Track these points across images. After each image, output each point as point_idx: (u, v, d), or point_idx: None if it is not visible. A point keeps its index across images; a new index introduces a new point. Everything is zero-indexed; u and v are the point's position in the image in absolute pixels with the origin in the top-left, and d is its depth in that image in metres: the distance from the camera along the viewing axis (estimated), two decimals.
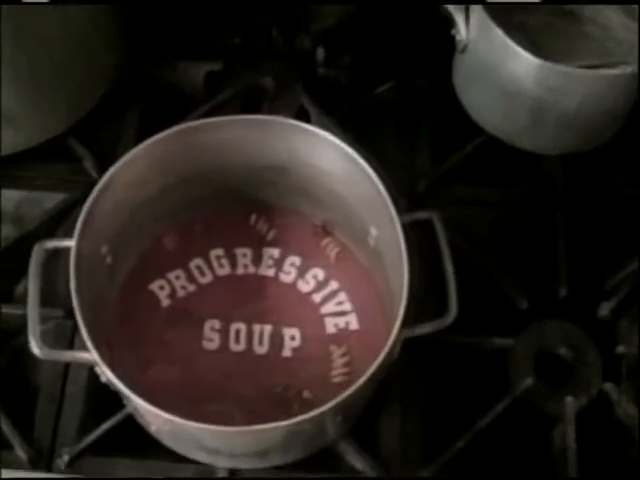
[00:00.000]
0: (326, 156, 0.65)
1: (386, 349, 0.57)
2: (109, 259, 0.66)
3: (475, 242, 0.73)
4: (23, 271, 0.74)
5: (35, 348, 0.59)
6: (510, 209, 0.76)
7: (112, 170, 0.63)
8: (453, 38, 0.75)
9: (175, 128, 0.64)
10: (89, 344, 0.58)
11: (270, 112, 0.79)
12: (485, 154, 0.77)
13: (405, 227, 0.62)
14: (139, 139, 0.77)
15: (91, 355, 0.58)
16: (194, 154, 0.66)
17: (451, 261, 0.62)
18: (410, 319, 0.59)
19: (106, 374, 0.58)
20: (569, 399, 0.67)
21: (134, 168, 0.64)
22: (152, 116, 0.80)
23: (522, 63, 0.69)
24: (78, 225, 0.61)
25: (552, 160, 0.77)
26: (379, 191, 0.62)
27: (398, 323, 0.58)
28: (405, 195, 0.75)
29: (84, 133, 0.78)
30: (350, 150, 0.63)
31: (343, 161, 0.64)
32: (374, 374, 0.57)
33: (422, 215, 0.64)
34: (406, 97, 0.81)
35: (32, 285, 0.61)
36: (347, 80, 0.83)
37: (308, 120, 0.80)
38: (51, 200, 0.75)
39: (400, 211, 0.62)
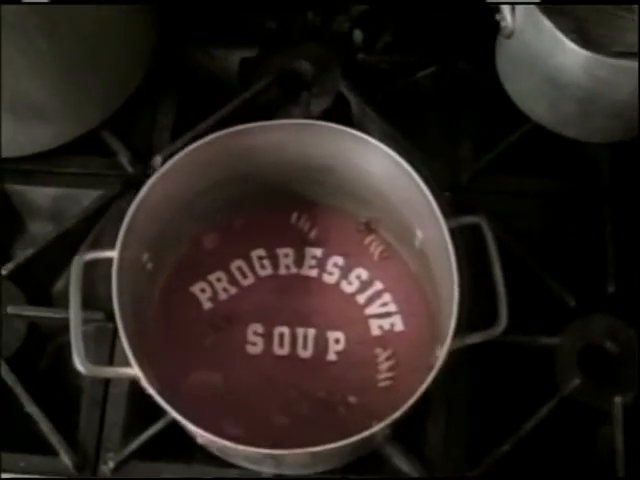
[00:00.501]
0: (372, 160, 0.63)
1: (437, 366, 0.56)
2: (149, 265, 0.65)
3: (519, 236, 0.72)
4: (61, 269, 0.75)
5: (79, 365, 0.58)
6: (555, 201, 0.74)
7: (152, 179, 0.61)
8: (497, 22, 0.72)
9: (217, 134, 0.62)
10: (132, 361, 0.57)
11: (308, 100, 0.77)
12: (529, 143, 0.75)
13: (453, 232, 0.61)
14: (174, 130, 0.77)
15: (134, 370, 0.57)
16: (235, 158, 0.64)
17: (501, 268, 0.61)
18: (459, 329, 0.58)
19: (148, 390, 0.57)
20: (617, 400, 0.67)
21: (174, 176, 0.62)
22: (187, 106, 0.78)
23: (571, 54, 0.66)
24: (120, 236, 0.60)
25: (598, 149, 0.74)
26: (426, 197, 0.60)
27: (449, 340, 0.56)
28: (448, 187, 0.74)
29: (118, 125, 0.76)
30: (397, 156, 0.61)
31: (389, 166, 0.62)
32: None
33: (470, 219, 0.63)
34: (447, 83, 0.78)
35: (73, 299, 0.60)
36: (386, 65, 0.80)
37: (347, 107, 0.78)
38: (88, 196, 0.74)
39: (447, 214, 0.61)
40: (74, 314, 0.59)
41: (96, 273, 0.64)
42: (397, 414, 0.55)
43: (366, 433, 0.55)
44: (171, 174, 0.62)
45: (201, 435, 0.56)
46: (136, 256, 0.63)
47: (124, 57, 0.74)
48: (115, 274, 0.59)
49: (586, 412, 0.68)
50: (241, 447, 0.55)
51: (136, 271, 0.63)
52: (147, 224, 0.62)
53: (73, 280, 0.60)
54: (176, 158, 0.62)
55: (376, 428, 0.55)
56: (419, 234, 0.65)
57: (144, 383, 0.57)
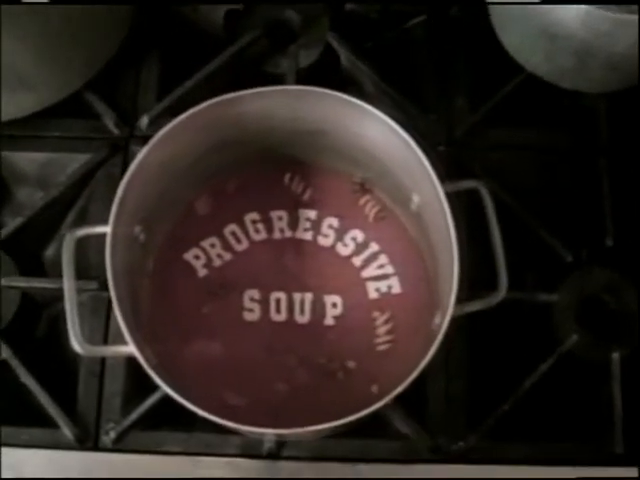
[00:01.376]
0: (366, 125, 0.61)
1: (439, 338, 0.56)
2: (142, 237, 0.64)
3: (515, 190, 0.70)
4: (51, 236, 0.73)
5: (76, 345, 0.57)
6: (551, 154, 0.73)
7: (143, 153, 0.59)
8: None
9: (207, 103, 0.60)
10: (129, 340, 0.56)
11: (296, 52, 0.74)
12: (525, 95, 0.73)
13: (450, 196, 0.60)
14: (160, 88, 0.75)
15: (131, 349, 0.57)
16: (227, 124, 0.63)
17: (500, 234, 0.60)
18: (458, 296, 0.58)
19: (145, 369, 0.57)
20: (615, 355, 0.67)
21: (166, 148, 0.60)
22: (172, 62, 0.76)
23: (570, 7, 0.65)
24: (112, 211, 0.58)
25: (596, 99, 0.73)
26: (422, 162, 0.59)
27: (449, 312, 0.56)
28: (442, 142, 0.72)
29: (101, 86, 0.73)
30: (392, 122, 0.59)
31: (384, 131, 0.60)
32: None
33: (468, 184, 0.62)
34: (440, 32, 0.76)
35: (67, 279, 0.59)
36: (376, 14, 0.78)
37: (336, 59, 0.76)
38: (74, 161, 0.72)
39: (443, 178, 0.59)
40: (68, 293, 0.58)
41: (88, 241, 0.63)
42: (400, 388, 0.55)
43: (371, 409, 0.54)
44: (162, 144, 0.60)
45: (200, 413, 0.56)
46: (129, 230, 0.62)
47: (105, 17, 0.71)
48: (109, 250, 0.58)
49: (585, 368, 0.68)
50: (243, 427, 0.55)
51: (129, 244, 0.62)
52: (139, 197, 0.61)
53: (65, 258, 0.59)
54: (166, 129, 0.60)
55: (380, 404, 0.55)
56: (415, 198, 0.64)
57: (141, 361, 0.56)
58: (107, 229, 0.59)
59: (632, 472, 0.63)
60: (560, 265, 0.70)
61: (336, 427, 0.58)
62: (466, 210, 0.63)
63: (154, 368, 0.57)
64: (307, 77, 0.74)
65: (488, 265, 0.61)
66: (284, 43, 0.76)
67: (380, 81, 0.74)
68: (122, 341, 0.57)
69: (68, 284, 0.59)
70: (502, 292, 0.59)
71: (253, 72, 0.76)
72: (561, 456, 0.65)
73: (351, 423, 0.60)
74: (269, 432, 0.55)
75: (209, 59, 0.75)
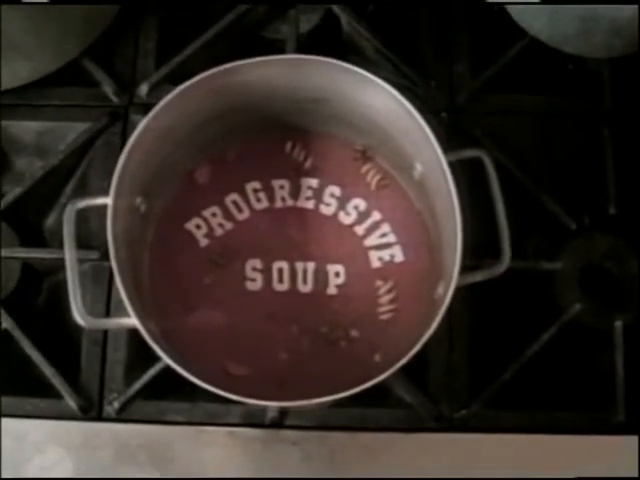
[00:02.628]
0: (368, 93, 0.61)
1: (443, 309, 0.56)
2: (143, 207, 0.63)
3: (517, 157, 0.70)
4: (51, 205, 0.73)
5: (79, 318, 0.57)
6: (554, 120, 0.72)
7: (144, 123, 0.59)
8: None
9: (206, 73, 0.59)
10: (131, 313, 0.56)
11: (296, 17, 0.73)
12: (527, 60, 0.72)
13: (453, 165, 0.59)
14: (159, 55, 0.74)
15: (133, 321, 0.57)
16: (227, 93, 0.62)
17: (503, 205, 0.60)
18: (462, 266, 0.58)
19: (147, 341, 0.56)
20: (618, 323, 0.67)
21: (166, 118, 0.60)
22: (170, 28, 0.75)
23: None
24: (113, 182, 0.58)
25: (598, 65, 0.72)
26: (425, 132, 0.58)
27: (453, 284, 0.56)
28: (444, 108, 0.72)
29: (99, 53, 0.73)
30: (395, 91, 0.59)
31: (386, 100, 0.60)
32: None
33: (471, 153, 0.61)
34: None
35: (68, 248, 0.58)
36: None
37: (337, 23, 0.75)
38: (73, 129, 0.71)
39: (445, 148, 0.59)
40: (70, 266, 0.58)
41: (89, 210, 0.62)
42: (404, 360, 0.55)
43: (374, 381, 0.55)
44: (162, 114, 0.60)
45: (202, 385, 0.56)
46: (130, 201, 0.61)
47: None
48: (110, 222, 0.58)
49: (587, 336, 0.68)
50: (246, 400, 0.55)
51: (130, 215, 0.61)
52: (139, 168, 0.60)
53: (66, 231, 0.59)
54: (167, 98, 0.59)
55: (383, 376, 0.55)
56: (418, 166, 0.63)
57: (143, 334, 0.56)
58: (108, 200, 0.58)
59: (633, 440, 0.63)
60: (563, 232, 0.69)
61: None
62: (469, 178, 0.62)
63: (156, 339, 0.57)
64: (307, 42, 0.74)
65: (491, 232, 0.61)
66: (283, 8, 0.75)
67: (381, 46, 0.73)
68: (124, 311, 0.57)
69: (69, 256, 0.58)
70: (505, 263, 0.59)
71: (253, 38, 0.75)
72: (563, 424, 0.66)
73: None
74: (273, 405, 0.55)
75: (208, 24, 0.74)
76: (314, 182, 0.69)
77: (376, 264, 0.67)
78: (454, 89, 0.72)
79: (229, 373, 0.64)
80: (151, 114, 0.59)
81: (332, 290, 0.67)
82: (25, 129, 0.72)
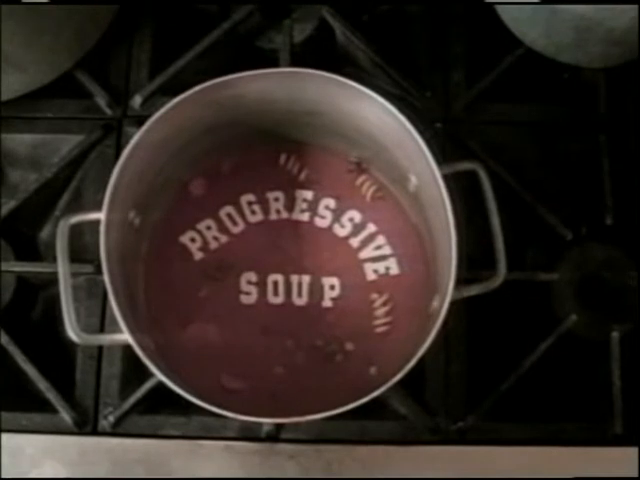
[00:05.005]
0: (362, 107, 0.61)
1: (439, 322, 0.55)
2: (137, 221, 0.63)
3: (513, 167, 0.70)
4: (46, 218, 0.73)
5: (72, 335, 0.57)
6: (550, 130, 0.72)
7: (137, 136, 0.59)
8: None
9: (204, 84, 0.59)
10: (125, 329, 0.56)
11: (290, 26, 0.73)
12: (523, 70, 0.72)
13: (447, 178, 0.59)
14: (152, 66, 0.73)
15: (127, 337, 0.57)
16: (223, 106, 0.62)
17: (499, 219, 0.59)
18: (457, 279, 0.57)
19: (141, 358, 0.56)
20: (615, 334, 0.66)
21: (160, 130, 0.60)
22: (164, 39, 0.74)
23: None
24: (106, 197, 0.58)
25: (594, 75, 0.72)
26: (419, 145, 0.58)
27: (448, 298, 0.55)
28: (439, 118, 0.71)
29: (93, 65, 0.72)
30: (389, 105, 0.58)
31: (380, 113, 0.60)
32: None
33: (465, 166, 0.61)
34: (435, 5, 0.74)
35: (61, 263, 0.58)
36: None
37: (331, 33, 0.75)
38: (67, 142, 0.71)
39: (439, 160, 0.59)
40: (64, 282, 0.58)
41: (83, 223, 0.62)
42: (400, 375, 0.55)
43: (370, 395, 0.54)
44: (156, 127, 0.59)
45: (196, 402, 0.56)
46: (123, 215, 0.61)
47: None
48: (103, 238, 0.58)
49: (584, 347, 0.68)
50: (241, 417, 0.55)
51: (123, 229, 0.61)
52: (133, 181, 0.60)
53: (59, 246, 0.58)
54: (160, 111, 0.59)
55: (380, 391, 0.54)
56: (413, 179, 0.63)
57: (137, 350, 0.56)
58: (101, 215, 0.58)
59: (632, 452, 0.63)
60: (559, 242, 0.69)
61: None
62: (464, 189, 0.62)
63: (151, 355, 0.57)
64: (301, 52, 0.73)
65: (487, 244, 0.60)
66: (278, 17, 0.74)
67: (375, 56, 0.72)
68: (118, 325, 0.57)
69: (63, 273, 0.58)
70: (501, 277, 0.59)
71: (246, 48, 0.75)
72: (560, 436, 0.65)
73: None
74: (267, 421, 0.55)
75: (202, 34, 0.73)
76: (309, 194, 0.69)
77: (371, 277, 0.67)
78: (449, 99, 0.72)
79: (224, 387, 0.64)
80: (145, 127, 0.59)
81: (327, 303, 0.67)
82: (19, 142, 0.72)
